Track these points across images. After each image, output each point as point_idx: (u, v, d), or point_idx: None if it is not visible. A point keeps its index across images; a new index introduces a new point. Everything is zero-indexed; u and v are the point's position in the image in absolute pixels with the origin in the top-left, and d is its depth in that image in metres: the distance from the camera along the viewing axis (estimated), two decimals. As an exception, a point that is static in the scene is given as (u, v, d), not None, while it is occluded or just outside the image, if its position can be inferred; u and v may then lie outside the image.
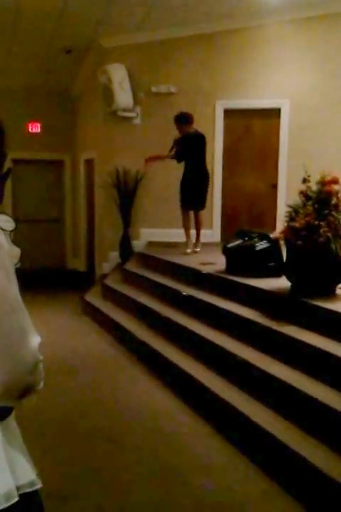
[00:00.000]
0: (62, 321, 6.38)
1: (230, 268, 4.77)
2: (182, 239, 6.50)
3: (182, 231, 6.54)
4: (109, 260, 7.77)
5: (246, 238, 4.78)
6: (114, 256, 7.67)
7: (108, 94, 7.34)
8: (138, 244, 7.58)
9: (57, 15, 6.62)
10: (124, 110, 7.51)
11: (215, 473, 2.90)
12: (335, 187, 3.67)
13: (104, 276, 7.38)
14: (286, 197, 6.75)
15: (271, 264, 4.51)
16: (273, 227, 6.25)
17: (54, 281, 8.86)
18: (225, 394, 3.38)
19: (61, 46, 7.68)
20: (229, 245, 4.89)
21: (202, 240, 6.55)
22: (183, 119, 6.29)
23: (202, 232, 6.51)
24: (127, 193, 7.57)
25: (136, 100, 7.55)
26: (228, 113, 7.64)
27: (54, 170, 10.01)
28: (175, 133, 6.45)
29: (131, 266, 6.85)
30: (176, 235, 6.96)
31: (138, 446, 3.21)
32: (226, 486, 2.74)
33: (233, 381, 3.52)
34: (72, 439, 3.33)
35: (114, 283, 6.72)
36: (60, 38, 7.43)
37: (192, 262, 5.52)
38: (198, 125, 6.76)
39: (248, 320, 3.85)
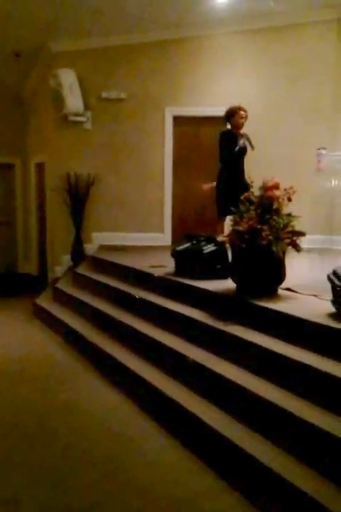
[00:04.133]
0: (13, 325, 6.35)
1: (179, 270, 4.92)
2: (136, 242, 6.55)
3: (134, 235, 6.60)
4: (61, 264, 7.79)
5: (195, 242, 4.94)
6: (66, 259, 7.70)
7: (58, 98, 7.37)
8: (90, 248, 7.64)
9: (4, 18, 6.60)
10: (75, 115, 7.56)
11: (163, 469, 2.99)
12: (276, 192, 3.87)
13: (56, 279, 7.39)
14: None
15: (218, 266, 4.67)
16: (221, 231, 6.44)
17: (5, 286, 8.77)
18: (174, 393, 3.49)
19: (10, 49, 7.64)
20: (178, 248, 5.04)
21: (154, 243, 6.66)
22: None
23: (153, 235, 6.60)
24: (79, 196, 7.61)
25: (87, 105, 7.61)
26: (177, 120, 7.82)
27: (4, 173, 9.90)
28: (121, 138, 6.49)
29: (83, 269, 6.90)
30: (128, 238, 7.06)
31: (87, 447, 3.28)
32: (174, 482, 2.84)
33: (183, 381, 3.63)
34: (21, 442, 3.36)
35: (66, 286, 6.74)
36: (8, 41, 7.40)
37: (143, 265, 5.63)
38: (148, 131, 6.91)
39: (196, 321, 3.98)
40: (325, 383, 2.76)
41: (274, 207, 3.83)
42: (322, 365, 2.83)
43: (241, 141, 5.60)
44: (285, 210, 3.83)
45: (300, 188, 3.86)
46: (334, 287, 3.24)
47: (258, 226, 3.73)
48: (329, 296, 3.34)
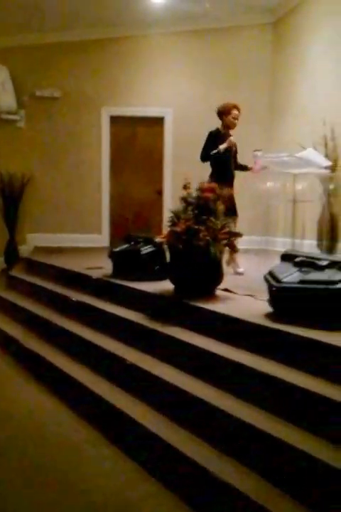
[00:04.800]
0: None
1: (117, 272, 4.85)
2: (73, 244, 6.43)
3: (71, 236, 6.48)
4: (-7, 267, 7.51)
5: (132, 242, 4.89)
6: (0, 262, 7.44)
7: (-10, 95, 7.10)
8: (25, 249, 7.41)
9: None
10: (7, 113, 7.31)
11: (102, 476, 2.92)
12: (213, 193, 3.88)
13: (-12, 283, 7.12)
14: (171, 203, 6.98)
15: (157, 267, 4.64)
16: (160, 232, 6.43)
17: None
18: (112, 397, 3.42)
19: None
20: (116, 250, 4.96)
21: (92, 244, 6.55)
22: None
23: (90, 236, 6.47)
24: (12, 197, 7.36)
25: (20, 103, 7.38)
26: (114, 120, 7.73)
27: None
28: (56, 137, 6.32)
29: (17, 272, 6.67)
30: (65, 239, 6.90)
31: (21, 453, 3.15)
32: (113, 488, 2.77)
33: (120, 384, 3.57)
34: None
35: (-1, 290, 6.50)
36: None
37: (80, 266, 5.51)
38: (84, 131, 6.79)
39: (134, 323, 3.93)
40: (260, 382, 2.77)
41: (211, 208, 3.84)
42: (258, 364, 2.85)
43: (222, 147, 5.14)
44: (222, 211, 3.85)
45: (238, 189, 3.90)
46: (270, 287, 3.28)
47: (196, 227, 3.73)
48: (266, 296, 3.37)
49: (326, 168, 4.80)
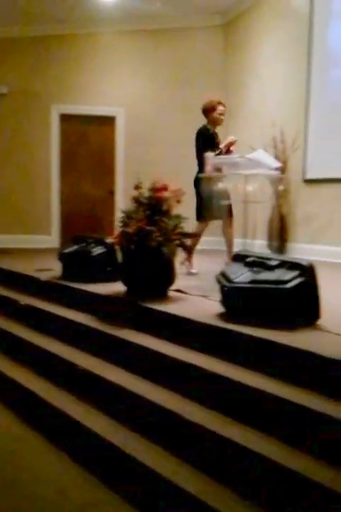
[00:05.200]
0: None
1: (67, 274, 4.73)
2: (21, 245, 6.26)
3: (19, 237, 6.32)
4: None
5: (83, 244, 4.79)
6: None
7: None
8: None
9: None
10: None
11: (51, 482, 2.83)
12: (165, 194, 3.85)
13: None
14: (123, 203, 6.91)
15: (109, 268, 4.56)
16: (112, 233, 6.35)
17: None
18: (62, 404, 3.32)
19: None
20: (66, 251, 4.85)
21: (41, 246, 6.38)
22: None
23: (40, 237, 6.31)
24: None
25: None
26: (64, 118, 7.59)
27: None
28: (3, 135, 6.13)
29: None
30: (13, 241, 6.71)
31: None
32: (61, 496, 2.70)
33: (71, 390, 3.47)
34: None
35: None
36: None
37: (28, 269, 5.36)
38: (33, 129, 6.62)
39: (85, 326, 3.84)
40: (212, 383, 2.76)
41: (164, 208, 3.81)
42: (210, 365, 2.84)
43: (224, 146, 5.02)
44: (174, 212, 3.82)
45: (189, 190, 3.88)
46: (221, 288, 3.28)
47: (148, 227, 3.69)
48: (218, 296, 3.37)
49: (276, 169, 4.86)
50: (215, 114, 5.25)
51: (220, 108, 5.27)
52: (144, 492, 2.56)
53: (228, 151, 5.05)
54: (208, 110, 5.30)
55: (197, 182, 5.06)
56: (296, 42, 6.99)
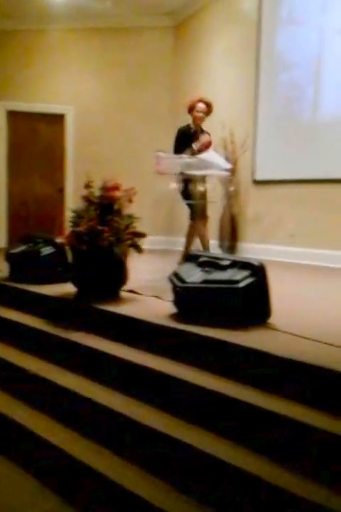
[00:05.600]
0: None
1: (14, 275, 4.60)
2: None
3: None
4: None
5: (31, 244, 4.66)
6: None
7: None
8: None
9: None
10: None
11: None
12: (117, 193, 3.80)
13: None
14: (73, 201, 6.80)
15: (59, 269, 4.46)
16: (61, 232, 6.23)
17: None
18: (10, 410, 3.22)
19: None
20: (13, 251, 4.71)
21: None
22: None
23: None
24: None
25: None
26: (12, 115, 7.40)
27: None
28: None
29: None
30: None
31: None
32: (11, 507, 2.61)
33: (19, 396, 3.37)
34: None
35: None
36: None
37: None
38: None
39: (34, 329, 3.74)
40: (165, 384, 2.75)
41: (115, 208, 3.76)
42: (163, 366, 2.83)
43: (197, 147, 4.86)
44: (126, 211, 3.78)
45: (141, 189, 3.86)
46: (174, 288, 3.27)
47: (99, 227, 3.63)
48: (170, 296, 3.36)
49: (226, 170, 4.91)
50: (194, 113, 5.14)
51: (199, 106, 5.11)
52: (93, 497, 2.51)
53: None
54: (188, 109, 5.19)
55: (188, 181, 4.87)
56: (246, 46, 7.10)
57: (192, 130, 5.09)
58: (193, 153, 4.80)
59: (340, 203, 6.17)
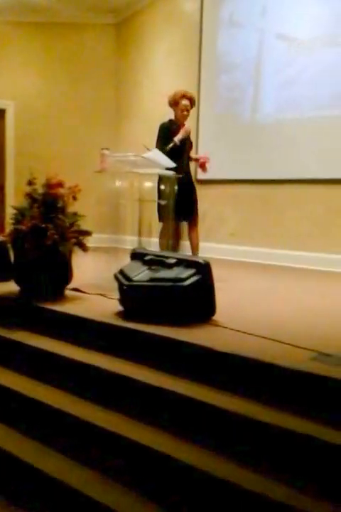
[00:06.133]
0: None
1: None
2: None
3: None
4: None
5: (-31, 242, 4.51)
6: None
7: None
8: None
9: None
10: None
11: None
12: (61, 190, 3.75)
13: None
14: (14, 199, 6.65)
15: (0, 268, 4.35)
16: (2, 230, 6.06)
17: None
18: None
19: None
20: None
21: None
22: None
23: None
24: None
25: None
26: None
27: None
28: None
29: None
30: None
31: None
32: None
33: None
34: None
35: None
36: None
37: None
38: None
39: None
40: (111, 382, 2.75)
41: (59, 205, 3.71)
42: (109, 364, 2.83)
43: (178, 138, 4.69)
44: (70, 209, 3.74)
45: (85, 187, 3.82)
46: (120, 286, 3.27)
47: (43, 225, 3.58)
48: (117, 295, 3.36)
49: (170, 169, 4.94)
50: (178, 110, 4.87)
51: (183, 103, 4.83)
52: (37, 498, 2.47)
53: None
54: (172, 103, 4.91)
55: (160, 181, 4.82)
56: (188, 46, 7.17)
57: (174, 126, 4.87)
58: (174, 145, 4.70)
59: (278, 202, 6.38)
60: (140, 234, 4.83)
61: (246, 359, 2.47)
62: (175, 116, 4.94)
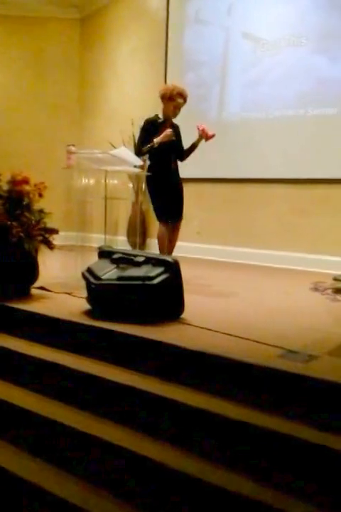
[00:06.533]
0: None
1: None
2: None
3: None
4: None
5: None
6: None
7: None
8: None
9: None
10: None
11: None
12: (26, 187, 3.69)
13: None
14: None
15: None
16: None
17: None
18: None
19: None
20: None
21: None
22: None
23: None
24: None
25: None
26: None
27: None
28: None
29: None
30: None
31: None
32: None
33: None
34: None
35: None
36: None
37: None
38: None
39: None
40: (79, 382, 2.72)
41: (25, 202, 3.65)
42: (77, 364, 2.80)
43: (157, 140, 4.47)
44: (36, 206, 3.68)
45: (50, 184, 3.77)
46: (88, 285, 3.24)
47: (8, 222, 3.51)
48: (84, 293, 3.33)
49: (137, 166, 4.92)
50: (170, 106, 4.62)
51: (179, 100, 4.62)
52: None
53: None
54: (167, 97, 4.61)
55: (148, 178, 4.66)
56: (153, 44, 7.16)
57: (160, 121, 4.65)
58: (151, 147, 4.52)
59: (244, 201, 6.45)
60: (107, 232, 4.81)
61: (215, 357, 2.48)
62: (165, 111, 4.68)
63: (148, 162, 4.75)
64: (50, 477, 2.30)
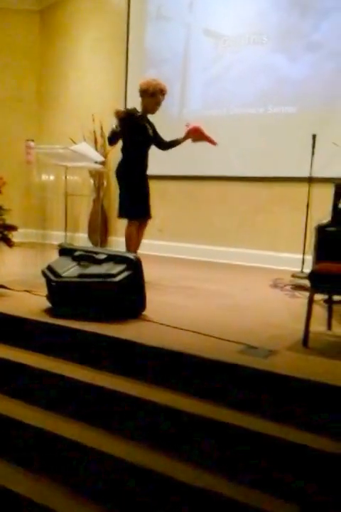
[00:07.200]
0: None
1: None
2: None
3: None
4: None
5: None
6: None
7: None
8: None
9: None
10: None
11: None
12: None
13: None
14: None
15: None
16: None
17: None
18: None
19: None
20: None
21: None
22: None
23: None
24: None
25: None
26: None
27: None
28: None
29: None
30: None
31: None
32: None
33: None
34: None
35: None
36: None
37: None
38: None
39: None
40: (41, 381, 2.69)
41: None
42: (39, 363, 2.76)
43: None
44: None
45: (9, 180, 3.70)
46: (49, 282, 3.20)
47: (-34, 219, 3.43)
48: (44, 291, 3.28)
49: (98, 162, 4.89)
50: (152, 102, 4.47)
51: (160, 97, 4.48)
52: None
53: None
54: (147, 92, 4.44)
55: (120, 173, 4.51)
56: (115, 38, 7.10)
57: (138, 114, 4.49)
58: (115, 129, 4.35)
59: (204, 199, 6.49)
60: (67, 229, 4.76)
61: (176, 353, 2.50)
62: (145, 106, 4.51)
63: (121, 156, 4.59)
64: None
